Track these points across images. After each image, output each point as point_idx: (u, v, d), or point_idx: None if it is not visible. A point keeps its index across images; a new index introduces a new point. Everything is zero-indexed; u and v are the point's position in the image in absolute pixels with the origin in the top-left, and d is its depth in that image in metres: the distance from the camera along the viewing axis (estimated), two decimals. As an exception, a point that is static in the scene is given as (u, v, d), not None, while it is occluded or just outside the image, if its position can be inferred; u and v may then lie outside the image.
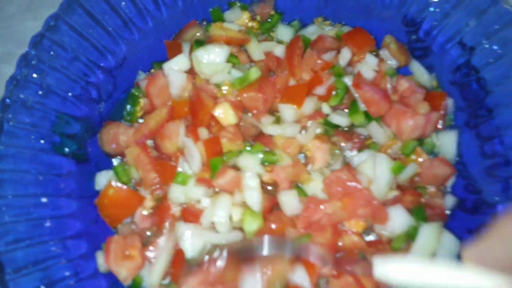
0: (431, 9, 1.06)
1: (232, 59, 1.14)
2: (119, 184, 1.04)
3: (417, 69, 1.13)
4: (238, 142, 1.06)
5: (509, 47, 0.96)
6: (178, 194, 1.01)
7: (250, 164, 1.03)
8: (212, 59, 1.07)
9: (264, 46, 1.17)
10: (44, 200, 0.94)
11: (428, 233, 0.95)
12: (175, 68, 1.11)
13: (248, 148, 1.06)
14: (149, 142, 1.10)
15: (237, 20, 1.21)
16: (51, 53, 1.01)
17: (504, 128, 0.96)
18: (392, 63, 1.13)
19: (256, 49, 1.14)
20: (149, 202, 1.04)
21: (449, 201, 1.04)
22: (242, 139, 1.07)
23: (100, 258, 0.97)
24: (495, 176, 0.97)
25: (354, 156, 1.05)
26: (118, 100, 1.18)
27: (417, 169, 1.02)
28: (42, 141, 0.98)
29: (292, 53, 1.15)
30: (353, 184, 0.96)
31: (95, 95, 1.10)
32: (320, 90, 1.09)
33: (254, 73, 1.06)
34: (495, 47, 0.98)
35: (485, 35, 0.99)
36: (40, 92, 0.99)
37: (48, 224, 0.93)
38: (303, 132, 1.09)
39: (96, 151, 1.12)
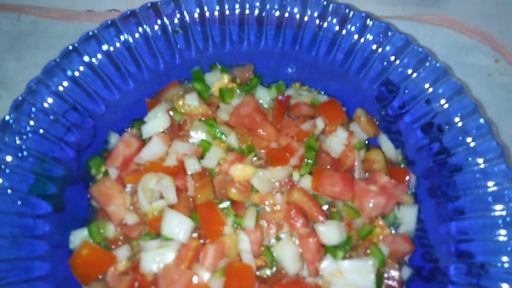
0: (402, 89, 1.11)
1: (210, 121, 1.18)
2: (92, 244, 1.08)
3: (385, 143, 1.19)
4: (245, 196, 1.11)
5: (470, 134, 1.03)
6: (151, 263, 1.04)
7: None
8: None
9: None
10: (18, 264, 0.98)
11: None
12: (152, 130, 1.15)
13: (221, 207, 1.11)
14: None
15: (217, 81, 1.24)
16: (32, 116, 1.05)
17: (471, 211, 1.01)
18: (361, 136, 1.18)
19: (224, 113, 1.20)
20: (122, 267, 1.08)
21: (406, 272, 1.10)
22: (250, 193, 1.12)
23: (70, 322, 1.00)
24: (457, 257, 1.03)
25: (321, 225, 1.09)
26: (97, 149, 1.21)
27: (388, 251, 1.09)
28: (19, 203, 1.01)
29: (281, 113, 1.21)
30: None
31: (74, 154, 1.13)
32: (293, 160, 1.14)
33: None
34: (455, 135, 1.04)
35: (448, 122, 1.05)
36: (19, 155, 1.02)
37: (20, 288, 0.97)
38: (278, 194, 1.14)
39: (73, 200, 1.15)
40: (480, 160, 1.00)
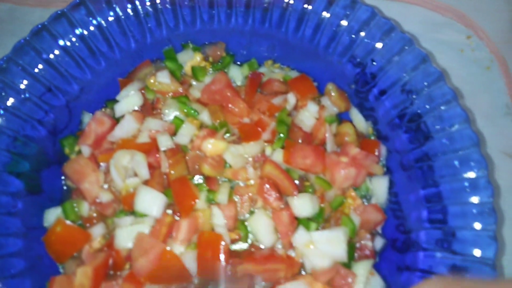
0: (369, 61, 1.13)
1: (182, 99, 1.19)
2: (67, 222, 1.08)
3: (356, 115, 1.20)
4: (218, 171, 1.12)
5: (436, 102, 1.04)
6: (125, 239, 1.05)
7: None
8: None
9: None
10: (-11, 240, 0.98)
11: (361, 271, 1.03)
12: (125, 108, 1.16)
13: (194, 180, 1.14)
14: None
15: (190, 60, 1.25)
16: (2, 94, 1.05)
17: (441, 177, 1.02)
18: (332, 110, 1.19)
19: (196, 91, 1.21)
20: (97, 244, 1.08)
21: (378, 243, 1.11)
22: (223, 169, 1.13)
23: (43, 298, 1.01)
24: (428, 223, 1.04)
25: (294, 199, 1.10)
26: (73, 132, 1.21)
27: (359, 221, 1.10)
28: (-11, 181, 1.02)
29: (253, 89, 1.22)
30: None
31: (47, 131, 1.13)
32: (265, 135, 1.15)
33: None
34: (422, 104, 1.05)
35: (414, 91, 1.06)
36: (-11, 133, 1.03)
37: (-9, 263, 0.97)
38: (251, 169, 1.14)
39: (49, 182, 1.16)
40: (446, 126, 1.01)
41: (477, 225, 0.93)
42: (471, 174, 0.96)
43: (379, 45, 1.10)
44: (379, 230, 1.14)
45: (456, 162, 0.99)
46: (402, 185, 1.13)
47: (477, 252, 0.91)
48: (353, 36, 1.13)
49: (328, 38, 1.17)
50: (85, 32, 1.13)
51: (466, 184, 0.96)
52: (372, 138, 1.19)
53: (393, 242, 1.13)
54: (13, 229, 1.03)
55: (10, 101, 1.06)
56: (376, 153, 1.14)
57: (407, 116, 1.08)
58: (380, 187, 1.13)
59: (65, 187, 1.18)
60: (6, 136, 1.05)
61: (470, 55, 1.40)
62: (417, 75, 1.06)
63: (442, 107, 1.02)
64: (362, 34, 1.12)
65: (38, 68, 1.09)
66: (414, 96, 1.06)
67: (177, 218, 1.09)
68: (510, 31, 1.42)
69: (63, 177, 1.18)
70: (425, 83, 1.05)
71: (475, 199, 0.94)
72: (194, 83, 1.23)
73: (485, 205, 0.93)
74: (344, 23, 1.13)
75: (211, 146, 1.11)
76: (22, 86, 1.07)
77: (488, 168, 0.95)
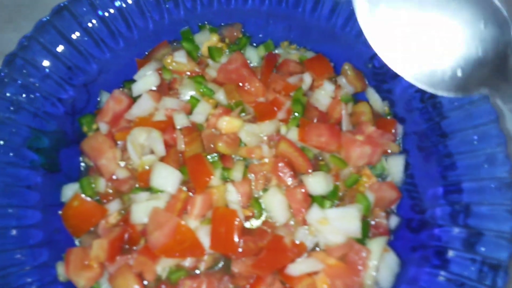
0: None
1: (198, 79, 1.20)
2: (84, 197, 1.10)
3: (372, 95, 1.19)
4: (233, 149, 1.12)
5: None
6: (141, 215, 1.06)
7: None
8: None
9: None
10: (10, 210, 1.01)
11: (375, 248, 1.02)
12: (142, 88, 1.17)
13: (209, 158, 1.13)
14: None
15: (207, 41, 1.26)
16: (24, 71, 1.08)
17: (457, 154, 1.01)
18: (348, 89, 1.19)
19: (212, 71, 1.22)
20: (113, 219, 1.10)
21: (393, 221, 1.10)
22: (238, 147, 1.13)
23: (60, 268, 1.02)
24: (444, 199, 1.03)
25: (308, 177, 1.10)
26: (91, 112, 1.24)
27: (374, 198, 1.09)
28: (11, 154, 1.04)
29: (269, 69, 1.22)
30: None
31: (66, 110, 1.16)
32: (280, 114, 1.15)
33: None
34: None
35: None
36: (11, 108, 1.06)
37: (11, 233, 1.00)
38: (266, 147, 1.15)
39: (68, 161, 1.18)
40: (465, 103, 1.00)
41: (494, 200, 0.91)
42: (489, 149, 0.94)
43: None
44: (394, 209, 1.13)
45: (474, 138, 0.97)
46: (418, 166, 1.12)
47: (493, 226, 0.89)
48: (370, 14, 1.12)
49: (345, 18, 1.17)
50: (105, 13, 1.15)
51: (484, 159, 0.94)
52: (389, 118, 1.18)
53: (408, 222, 1.11)
54: (32, 202, 1.06)
55: (31, 78, 1.09)
56: (393, 132, 1.13)
57: (425, 94, 1.07)
58: (396, 166, 1.12)
59: (82, 166, 1.20)
60: (27, 111, 1.07)
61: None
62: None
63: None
64: (379, 12, 1.11)
65: (59, 47, 1.12)
66: (431, 73, 1.05)
67: (191, 194, 1.09)
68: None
69: (81, 157, 1.20)
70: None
71: (492, 174, 0.92)
72: (210, 63, 1.24)
73: (503, 180, 0.91)
74: (360, 1, 1.12)
75: (226, 123, 1.12)
76: (43, 64, 1.10)
77: (506, 143, 0.93)
